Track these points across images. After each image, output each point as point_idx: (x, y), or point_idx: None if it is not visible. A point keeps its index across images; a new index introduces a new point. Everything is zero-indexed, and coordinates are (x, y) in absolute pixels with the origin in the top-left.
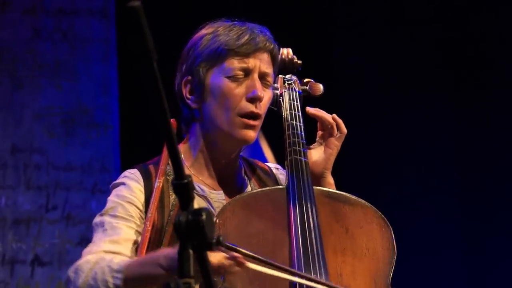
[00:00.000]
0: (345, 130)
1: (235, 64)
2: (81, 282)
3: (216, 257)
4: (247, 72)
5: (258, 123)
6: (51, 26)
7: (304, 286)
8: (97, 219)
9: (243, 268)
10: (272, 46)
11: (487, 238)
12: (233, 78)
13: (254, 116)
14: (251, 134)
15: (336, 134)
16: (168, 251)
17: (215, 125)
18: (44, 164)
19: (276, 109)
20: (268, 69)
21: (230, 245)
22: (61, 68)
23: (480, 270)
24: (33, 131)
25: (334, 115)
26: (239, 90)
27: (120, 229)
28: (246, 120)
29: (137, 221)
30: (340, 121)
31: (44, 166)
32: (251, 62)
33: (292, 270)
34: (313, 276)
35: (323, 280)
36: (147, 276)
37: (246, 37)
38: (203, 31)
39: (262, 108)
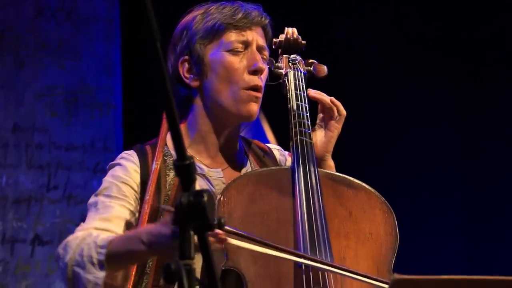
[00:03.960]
0: (344, 112)
1: (233, 37)
2: (69, 258)
3: None
4: (246, 45)
5: (261, 95)
6: (54, 5)
7: (310, 266)
8: (92, 199)
9: (224, 245)
10: (267, 21)
11: (489, 222)
12: (233, 52)
13: (257, 88)
14: (255, 108)
15: (336, 117)
16: (150, 227)
17: (217, 101)
18: (46, 143)
19: (274, 83)
20: (264, 43)
21: (232, 229)
22: (64, 47)
23: (481, 256)
24: (35, 110)
25: (332, 98)
26: (241, 63)
27: (112, 208)
28: (251, 92)
29: (131, 200)
30: (338, 103)
31: (46, 146)
32: (249, 35)
33: (295, 251)
34: (317, 258)
35: (327, 255)
36: (129, 252)
37: (241, 13)
38: (193, 13)
39: (263, 81)
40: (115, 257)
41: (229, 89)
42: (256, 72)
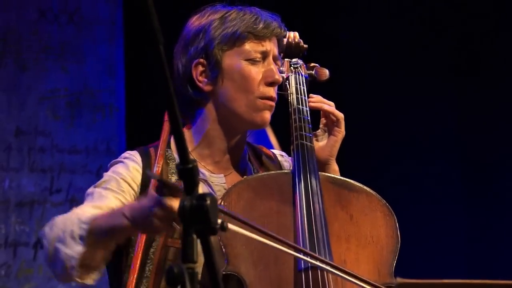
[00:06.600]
0: (340, 115)
1: (253, 47)
2: (52, 235)
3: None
4: (264, 55)
5: (274, 105)
6: (57, 7)
7: (309, 265)
8: (90, 190)
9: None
10: (285, 32)
11: (491, 225)
12: (252, 61)
13: (272, 99)
14: (268, 116)
15: (335, 121)
16: (133, 203)
17: (231, 108)
18: (48, 146)
19: (286, 94)
20: (277, 53)
21: (230, 212)
22: (67, 50)
23: (483, 259)
24: (37, 113)
25: (325, 105)
26: (259, 74)
27: (107, 198)
28: (266, 101)
29: (126, 196)
30: (332, 110)
31: (48, 149)
32: (268, 46)
33: (297, 246)
34: (317, 255)
35: (327, 259)
36: (111, 227)
37: (262, 22)
38: (209, 16)
39: (276, 92)
40: (96, 232)
41: (244, 98)
42: (273, 84)
